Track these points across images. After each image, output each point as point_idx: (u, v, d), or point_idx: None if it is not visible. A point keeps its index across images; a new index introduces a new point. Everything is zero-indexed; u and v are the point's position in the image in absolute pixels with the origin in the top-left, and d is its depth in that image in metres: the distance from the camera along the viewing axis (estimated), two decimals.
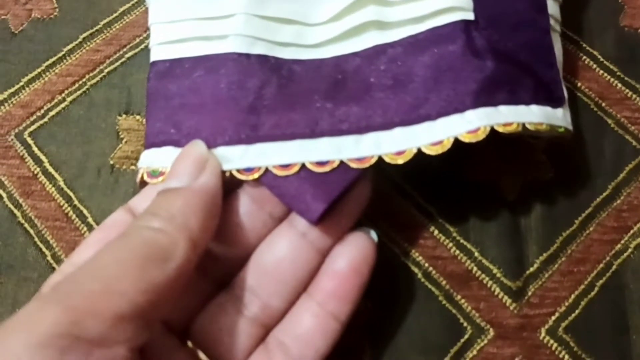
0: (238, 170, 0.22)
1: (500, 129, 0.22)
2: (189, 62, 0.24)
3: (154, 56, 0.25)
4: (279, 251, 0.22)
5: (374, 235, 0.23)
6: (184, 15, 0.25)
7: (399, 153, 0.22)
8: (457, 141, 0.21)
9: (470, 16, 0.23)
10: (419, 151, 0.22)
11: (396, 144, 0.22)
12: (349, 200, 0.22)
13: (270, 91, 0.23)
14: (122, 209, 0.22)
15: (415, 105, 0.22)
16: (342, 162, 0.22)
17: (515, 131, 0.22)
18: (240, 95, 0.23)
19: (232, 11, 0.24)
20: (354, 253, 0.22)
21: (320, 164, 0.22)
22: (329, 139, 0.22)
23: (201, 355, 0.22)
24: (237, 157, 0.22)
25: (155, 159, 0.23)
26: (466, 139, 0.21)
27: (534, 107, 0.23)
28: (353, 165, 0.22)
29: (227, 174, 0.22)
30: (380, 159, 0.22)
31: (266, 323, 0.22)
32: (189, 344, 0.22)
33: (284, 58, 0.24)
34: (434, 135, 0.22)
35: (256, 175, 0.22)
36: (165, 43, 0.25)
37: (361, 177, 0.22)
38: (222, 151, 0.22)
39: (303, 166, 0.22)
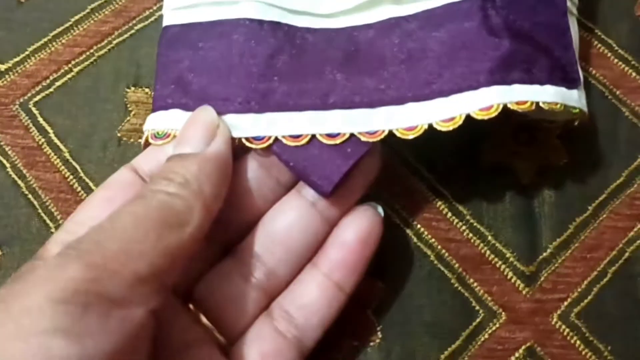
0: (247, 139, 0.22)
1: (514, 107, 0.21)
2: (201, 26, 0.24)
3: (167, 21, 0.24)
4: (288, 219, 0.22)
5: (380, 209, 0.23)
6: None
7: (410, 128, 0.22)
8: (469, 118, 0.21)
9: None
10: (430, 127, 0.22)
11: (408, 118, 0.22)
12: (358, 173, 0.22)
13: (283, 59, 0.23)
14: (126, 168, 0.22)
15: (429, 81, 0.22)
16: (352, 135, 0.22)
17: (529, 109, 0.22)
18: (252, 62, 0.23)
19: None
20: (361, 225, 0.22)
21: (331, 136, 0.22)
22: (340, 111, 0.22)
23: (203, 318, 0.22)
24: (247, 125, 0.22)
25: (162, 121, 0.23)
26: (479, 116, 0.21)
27: (549, 87, 0.22)
28: (364, 138, 0.22)
29: (237, 142, 0.22)
30: (391, 133, 0.22)
31: (271, 291, 0.22)
32: (191, 307, 0.22)
33: (297, 26, 0.24)
34: (446, 111, 0.22)
35: (266, 144, 0.22)
36: (179, 8, 0.24)
37: (371, 150, 0.22)
38: (231, 118, 0.22)
39: (313, 137, 0.22)
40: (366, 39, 0.23)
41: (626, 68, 0.28)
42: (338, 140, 0.22)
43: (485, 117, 0.21)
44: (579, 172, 0.26)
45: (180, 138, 0.22)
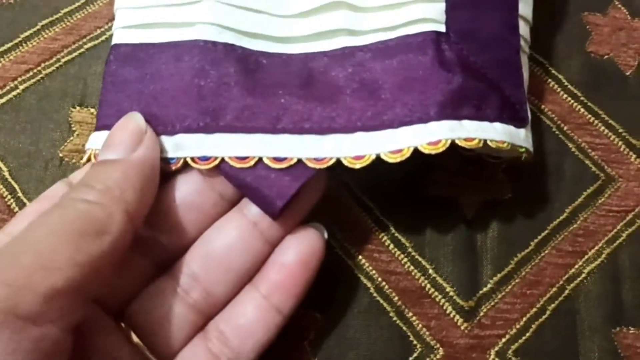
0: (193, 159, 0.22)
1: (462, 143, 0.21)
2: (154, 48, 0.23)
3: (117, 39, 0.24)
4: (228, 238, 0.21)
5: (322, 230, 0.22)
6: (151, 2, 0.24)
7: (358, 157, 0.21)
8: (416, 151, 0.21)
9: (442, 28, 0.23)
10: (378, 157, 0.21)
11: (356, 148, 0.22)
12: (302, 195, 0.22)
13: (235, 81, 0.23)
14: (62, 182, 0.22)
15: (379, 112, 0.22)
16: (299, 161, 0.21)
17: (476, 147, 0.22)
18: (204, 83, 0.22)
19: None
20: (303, 247, 0.22)
21: (278, 160, 0.21)
22: (289, 136, 0.22)
23: (135, 338, 0.21)
24: (194, 145, 0.22)
25: None
26: (426, 149, 0.21)
27: (498, 125, 0.22)
28: (311, 164, 0.21)
29: (182, 162, 0.22)
30: (338, 162, 0.22)
31: (207, 311, 0.21)
32: (123, 325, 0.21)
33: (252, 49, 0.23)
34: (394, 143, 0.21)
35: (211, 165, 0.21)
36: (130, 27, 0.24)
37: (317, 173, 0.22)
38: (179, 138, 0.22)
39: (260, 160, 0.21)
40: (320, 65, 0.23)
41: (575, 104, 0.28)
42: (284, 165, 0.21)
43: (433, 152, 0.21)
44: (523, 207, 0.26)
45: (106, 144, 0.21)
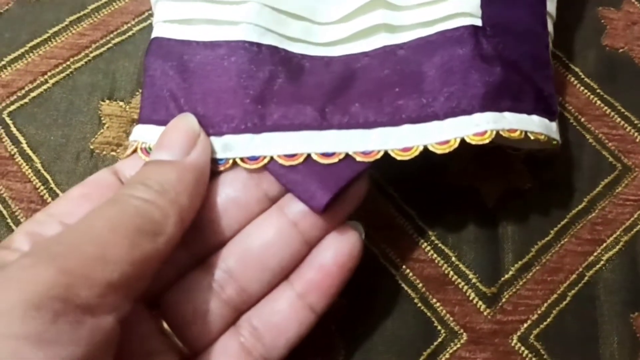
0: (242, 159, 0.22)
1: (505, 134, 0.22)
2: (199, 46, 0.24)
3: (158, 33, 0.24)
4: (267, 237, 0.21)
5: (361, 229, 0.22)
6: None
7: (406, 149, 0.22)
8: (463, 142, 0.22)
9: (479, 22, 0.23)
10: (425, 149, 0.22)
11: (403, 140, 0.22)
12: (344, 197, 0.22)
13: (280, 82, 0.23)
14: (108, 170, 0.22)
15: (424, 104, 0.22)
16: (347, 155, 0.22)
17: (518, 138, 0.22)
18: (250, 84, 0.23)
19: None
20: (341, 248, 0.22)
21: (326, 155, 0.22)
22: (337, 131, 0.22)
23: (167, 328, 0.21)
24: (242, 146, 0.22)
25: (154, 136, 0.22)
26: (473, 140, 0.21)
27: (535, 117, 0.23)
28: (359, 158, 0.22)
29: (231, 162, 0.22)
30: (386, 154, 0.22)
31: (240, 307, 0.21)
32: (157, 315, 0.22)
33: (294, 52, 0.24)
34: (441, 134, 0.22)
35: (261, 164, 0.22)
36: (172, 22, 0.24)
37: (363, 173, 0.22)
38: (227, 139, 0.22)
39: (308, 157, 0.22)
40: (362, 65, 0.24)
41: (591, 96, 0.29)
42: (333, 160, 0.22)
43: (480, 142, 0.21)
44: (542, 196, 0.26)
45: (160, 143, 0.21)
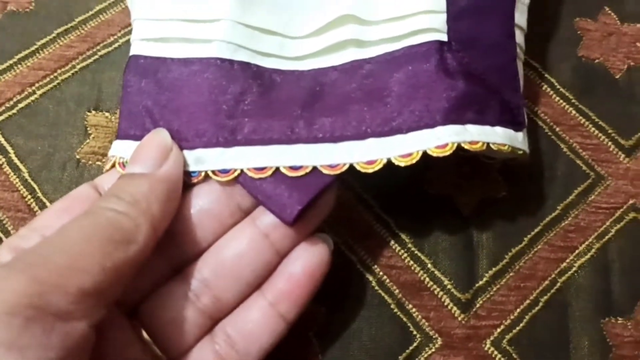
0: (213, 172, 0.23)
1: (467, 146, 0.22)
2: (173, 63, 0.24)
3: (135, 50, 0.25)
4: (240, 248, 0.22)
5: (330, 242, 0.23)
6: (169, 15, 0.25)
7: (370, 162, 0.23)
8: (425, 154, 0.22)
9: (444, 37, 0.24)
10: (389, 162, 0.23)
11: (368, 153, 0.23)
12: (313, 208, 0.23)
13: (251, 97, 0.24)
14: (88, 185, 0.23)
15: (389, 118, 0.23)
16: (314, 168, 0.23)
17: (479, 149, 0.23)
18: (222, 99, 0.24)
19: (217, 16, 0.25)
20: (310, 258, 0.22)
21: (294, 168, 0.23)
22: (304, 145, 0.23)
23: (145, 336, 0.22)
24: (213, 159, 0.23)
25: (132, 151, 0.23)
26: (434, 153, 0.22)
27: (499, 129, 0.24)
28: (325, 171, 0.22)
29: (203, 175, 0.23)
30: (351, 167, 0.23)
31: (215, 315, 0.22)
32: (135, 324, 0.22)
33: (265, 67, 0.25)
34: (404, 147, 0.23)
35: (232, 177, 0.23)
36: (148, 40, 0.25)
37: (331, 185, 0.23)
38: (199, 152, 0.23)
39: (277, 170, 0.23)
40: (331, 79, 0.25)
41: (567, 106, 0.29)
42: (301, 173, 0.22)
43: (441, 155, 0.22)
44: (517, 204, 0.27)
45: (133, 158, 0.22)
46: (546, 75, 0.30)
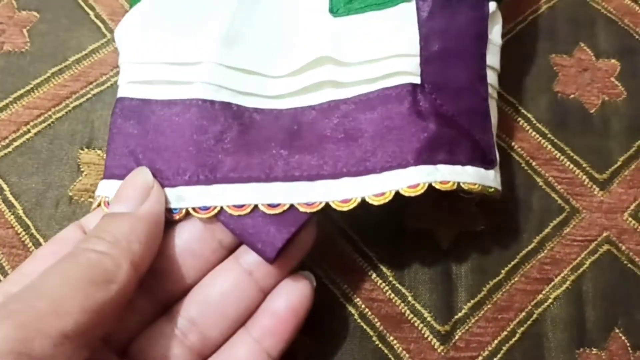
0: (194, 209, 0.24)
1: (438, 186, 0.24)
2: (157, 104, 0.26)
3: (122, 93, 0.26)
4: (225, 286, 0.23)
5: (312, 278, 0.24)
6: (153, 59, 0.26)
7: (345, 201, 0.24)
8: (397, 194, 0.23)
9: (417, 80, 0.25)
10: (363, 200, 0.24)
11: (343, 192, 0.24)
12: (294, 244, 0.24)
13: (231, 136, 0.25)
14: (74, 226, 0.24)
15: (363, 159, 0.24)
16: (292, 206, 0.24)
17: (450, 188, 0.24)
18: (203, 139, 0.25)
19: (199, 59, 0.26)
20: (293, 295, 0.23)
21: (272, 206, 0.24)
22: (282, 183, 0.24)
23: None
24: (194, 196, 0.24)
25: (114, 190, 0.24)
26: (406, 192, 0.23)
27: (469, 168, 0.25)
28: (302, 209, 0.24)
29: (184, 212, 0.24)
30: (327, 205, 0.24)
31: (202, 352, 0.23)
32: None
33: (246, 106, 0.26)
34: (378, 187, 0.24)
35: (212, 214, 0.24)
36: (134, 82, 0.26)
37: (308, 223, 0.24)
38: (180, 190, 0.24)
39: (256, 207, 0.24)
40: (308, 118, 0.26)
41: (542, 141, 0.30)
42: (278, 210, 0.23)
43: (412, 194, 0.23)
44: (494, 238, 0.28)
45: (116, 197, 0.23)
46: (522, 110, 0.31)
